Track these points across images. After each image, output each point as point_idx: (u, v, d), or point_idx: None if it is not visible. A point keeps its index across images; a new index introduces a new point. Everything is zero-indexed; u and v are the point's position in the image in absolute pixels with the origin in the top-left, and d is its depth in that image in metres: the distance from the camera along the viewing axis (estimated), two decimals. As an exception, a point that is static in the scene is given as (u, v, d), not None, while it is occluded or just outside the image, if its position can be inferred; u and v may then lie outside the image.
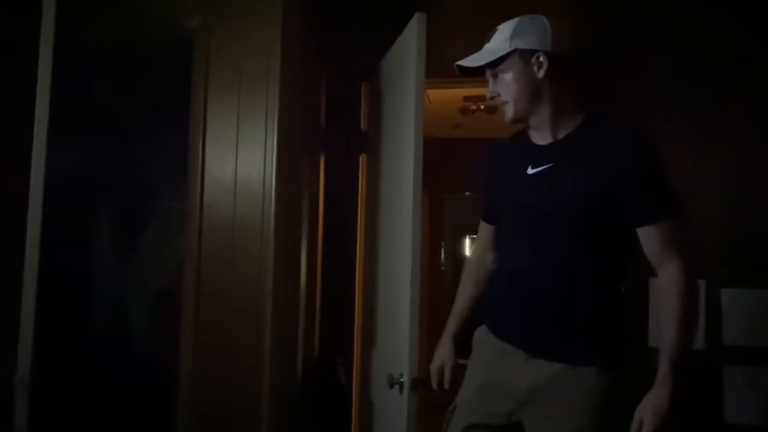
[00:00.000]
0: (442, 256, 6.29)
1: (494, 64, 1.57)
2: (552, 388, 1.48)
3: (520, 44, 1.54)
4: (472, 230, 8.07)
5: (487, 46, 1.61)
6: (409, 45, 2.16)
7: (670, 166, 1.55)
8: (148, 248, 2.81)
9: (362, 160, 2.88)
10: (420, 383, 1.98)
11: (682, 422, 2.57)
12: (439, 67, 2.23)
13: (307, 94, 2.57)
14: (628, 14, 2.80)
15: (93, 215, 2.82)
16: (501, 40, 1.57)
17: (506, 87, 1.56)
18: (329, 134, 2.84)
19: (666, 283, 1.44)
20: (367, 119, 2.88)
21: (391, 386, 2.02)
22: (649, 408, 1.41)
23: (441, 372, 1.81)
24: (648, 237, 1.45)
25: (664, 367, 1.41)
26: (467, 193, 6.65)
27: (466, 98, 4.33)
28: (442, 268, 6.32)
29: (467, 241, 8.81)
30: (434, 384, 1.83)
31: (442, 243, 6.28)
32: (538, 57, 1.52)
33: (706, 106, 2.70)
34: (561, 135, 1.55)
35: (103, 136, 2.68)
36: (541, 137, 1.59)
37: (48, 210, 1.86)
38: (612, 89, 2.80)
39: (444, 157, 5.18)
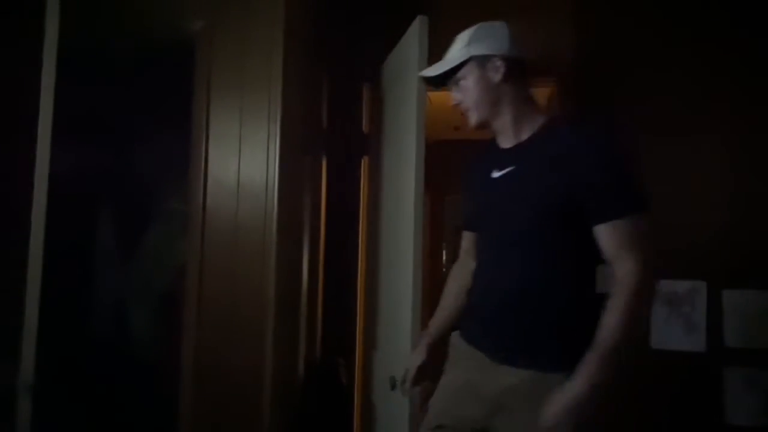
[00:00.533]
0: (444, 257, 6.30)
1: (454, 72, 1.60)
2: (522, 395, 1.44)
3: (477, 51, 1.57)
4: (473, 232, 7.85)
5: (447, 56, 1.63)
6: (411, 48, 2.17)
7: (672, 167, 1.55)
8: (150, 250, 2.82)
9: (364, 161, 2.89)
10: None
11: (683, 424, 2.59)
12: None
13: (310, 96, 2.58)
14: (627, 14, 2.82)
15: (95, 217, 2.83)
16: (458, 48, 1.61)
17: (467, 93, 1.59)
18: (331, 136, 2.84)
19: (617, 282, 1.39)
20: (368, 121, 2.89)
21: (393, 388, 2.03)
22: (561, 395, 1.34)
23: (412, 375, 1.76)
24: (601, 236, 1.42)
25: (589, 356, 1.35)
26: (468, 194, 6.65)
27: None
28: (444, 270, 6.32)
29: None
30: (400, 388, 1.80)
31: (443, 244, 6.28)
32: (494, 62, 1.55)
33: (704, 108, 2.71)
34: (524, 137, 1.57)
35: (106, 138, 2.69)
36: (506, 140, 1.61)
37: (50, 212, 1.87)
38: (611, 92, 2.82)
39: (445, 159, 5.18)
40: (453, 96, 1.63)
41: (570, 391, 1.33)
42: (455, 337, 1.69)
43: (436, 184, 5.17)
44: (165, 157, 2.57)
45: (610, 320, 1.36)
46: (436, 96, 3.72)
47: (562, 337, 1.46)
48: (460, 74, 1.59)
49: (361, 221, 2.87)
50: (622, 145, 1.46)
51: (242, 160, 2.19)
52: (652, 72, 2.78)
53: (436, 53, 2.12)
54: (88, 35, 2.32)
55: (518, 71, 1.56)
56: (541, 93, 3.56)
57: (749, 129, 2.67)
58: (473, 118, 1.60)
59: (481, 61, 1.56)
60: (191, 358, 2.18)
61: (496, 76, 1.55)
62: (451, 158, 5.26)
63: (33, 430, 1.82)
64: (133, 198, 2.81)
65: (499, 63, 1.55)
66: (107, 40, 2.37)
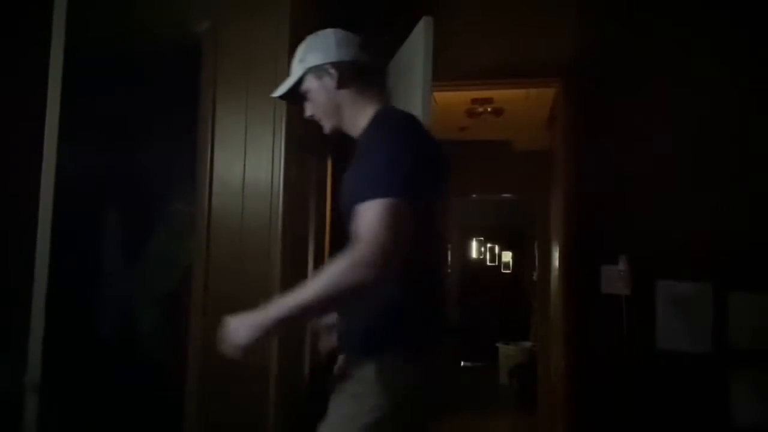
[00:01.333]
0: (449, 258, 6.30)
1: (298, 87, 1.63)
2: (338, 376, 1.49)
3: (310, 62, 1.59)
4: (479, 232, 8.06)
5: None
6: (417, 48, 2.17)
7: (678, 169, 1.54)
8: (156, 251, 2.83)
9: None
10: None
11: (688, 425, 2.59)
12: (446, 70, 2.25)
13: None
14: (630, 15, 2.81)
15: (102, 218, 2.84)
16: (296, 63, 1.64)
17: (313, 105, 1.62)
18: (336, 136, 2.84)
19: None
20: (373, 122, 2.89)
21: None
22: (245, 316, 1.40)
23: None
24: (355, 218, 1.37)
25: (279, 301, 1.36)
26: (473, 195, 6.65)
27: (474, 100, 4.33)
28: (449, 270, 6.33)
29: (474, 243, 8.83)
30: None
31: (449, 245, 6.28)
32: (327, 70, 1.57)
33: (710, 111, 2.70)
34: (360, 134, 1.58)
35: (112, 139, 2.71)
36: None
37: (57, 213, 1.88)
38: (615, 92, 2.82)
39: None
40: (306, 109, 1.65)
41: (245, 318, 1.39)
42: None
43: (441, 184, 5.20)
44: (171, 157, 2.58)
45: (311, 281, 1.34)
46: (441, 96, 3.74)
47: (371, 322, 1.44)
48: (303, 89, 1.62)
49: (366, 222, 2.87)
50: (408, 133, 1.42)
51: (248, 160, 2.20)
52: (656, 73, 2.78)
53: (441, 53, 2.14)
54: (94, 37, 2.34)
55: (353, 73, 1.57)
56: (546, 93, 3.57)
57: (755, 128, 2.67)
58: (325, 127, 1.64)
59: (316, 71, 1.58)
60: (197, 359, 2.19)
61: (332, 84, 1.57)
62: (457, 159, 5.30)
63: (40, 429, 1.84)
64: (139, 199, 2.82)
65: (332, 70, 1.56)
66: (113, 42, 2.38)
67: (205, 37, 2.27)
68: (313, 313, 1.45)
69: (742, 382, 2.55)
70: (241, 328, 1.39)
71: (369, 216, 1.30)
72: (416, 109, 2.14)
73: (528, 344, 6.93)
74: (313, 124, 1.67)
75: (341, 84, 1.56)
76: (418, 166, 1.37)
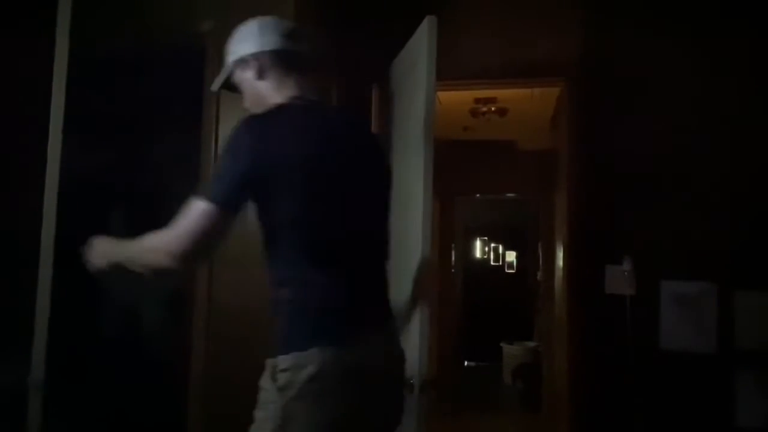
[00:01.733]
0: (453, 257, 6.29)
1: (230, 81, 1.65)
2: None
3: (235, 56, 1.60)
4: (483, 232, 8.06)
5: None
6: (420, 48, 2.17)
7: (683, 168, 1.54)
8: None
9: (373, 162, 2.89)
10: (430, 385, 1.98)
11: (693, 426, 2.58)
12: (449, 70, 2.25)
13: (318, 97, 2.58)
14: (636, 14, 2.81)
15: (106, 218, 2.85)
16: (227, 57, 1.65)
17: (245, 97, 1.63)
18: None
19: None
20: (377, 121, 2.89)
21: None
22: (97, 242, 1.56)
23: None
24: None
25: (114, 244, 1.55)
26: (477, 195, 6.65)
27: (477, 100, 4.33)
28: (453, 270, 6.33)
29: (478, 243, 8.82)
30: None
31: (453, 245, 6.28)
32: (248, 62, 1.57)
33: (714, 110, 2.69)
34: None
35: (116, 138, 2.71)
36: None
37: (62, 212, 1.88)
38: (621, 92, 2.81)
39: (454, 160, 5.19)
40: (244, 101, 1.66)
41: (101, 247, 1.56)
42: None
43: (445, 184, 5.20)
44: (175, 157, 2.58)
45: (138, 241, 1.47)
46: (445, 96, 3.74)
47: (279, 325, 1.47)
48: (234, 81, 1.63)
49: (369, 221, 2.87)
50: (241, 136, 1.41)
51: (251, 160, 2.19)
52: (661, 73, 2.77)
53: (444, 53, 2.13)
54: (98, 36, 2.34)
55: (273, 62, 1.56)
56: (550, 93, 3.56)
57: (760, 128, 2.66)
58: None
59: (241, 63, 1.59)
60: (201, 357, 2.20)
61: (253, 75, 1.57)
62: (460, 158, 5.30)
63: (44, 428, 1.84)
64: (143, 199, 2.82)
65: (252, 62, 1.57)
66: (117, 41, 2.39)
67: (208, 36, 2.27)
68: (132, 268, 1.50)
69: (747, 383, 2.54)
70: (94, 253, 1.55)
71: (187, 211, 1.40)
72: (420, 109, 2.14)
73: (532, 344, 6.93)
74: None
75: (260, 74, 1.56)
76: (251, 175, 1.39)
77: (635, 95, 2.80)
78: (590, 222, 2.84)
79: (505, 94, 4.07)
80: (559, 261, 3.56)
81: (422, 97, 2.13)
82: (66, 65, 1.88)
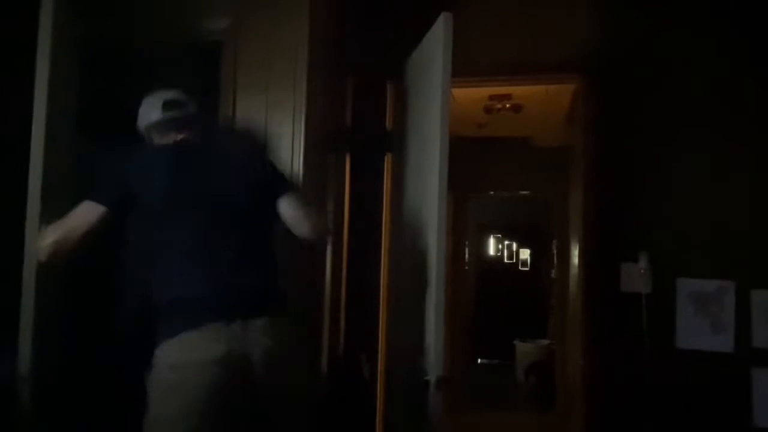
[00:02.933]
0: (466, 255, 6.28)
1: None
2: None
3: (140, 126, 2.00)
4: (496, 229, 8.01)
5: None
6: (436, 44, 2.16)
7: (699, 166, 1.52)
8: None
9: (387, 158, 2.89)
10: (445, 381, 1.99)
11: (709, 425, 2.56)
12: (465, 66, 2.24)
13: (334, 94, 2.59)
14: (650, 10, 2.79)
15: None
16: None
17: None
18: (354, 133, 2.86)
19: None
20: (392, 118, 2.89)
21: (417, 384, 2.03)
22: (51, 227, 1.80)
23: None
24: None
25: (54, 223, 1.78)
26: (491, 192, 6.63)
27: (491, 97, 4.31)
28: (466, 267, 6.32)
29: (491, 241, 8.79)
30: None
31: (466, 242, 6.27)
32: (142, 133, 1.97)
33: (732, 106, 2.67)
34: None
35: (131, 136, 2.72)
36: None
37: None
38: (635, 90, 2.79)
39: (468, 157, 5.17)
40: None
41: (52, 230, 1.75)
42: None
43: (459, 181, 5.18)
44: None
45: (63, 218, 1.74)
46: (460, 93, 3.73)
47: None
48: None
49: (384, 218, 2.88)
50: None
51: (267, 157, 2.20)
52: (677, 68, 2.75)
53: (460, 49, 2.13)
54: (113, 35, 2.36)
55: (157, 131, 1.94)
56: (565, 89, 3.54)
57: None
58: None
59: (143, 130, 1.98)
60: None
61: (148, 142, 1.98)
62: (475, 155, 5.28)
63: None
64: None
65: (144, 133, 1.96)
66: (132, 40, 2.40)
67: (225, 34, 2.29)
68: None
69: (765, 383, 2.52)
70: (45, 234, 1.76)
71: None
72: (435, 105, 2.14)
73: (546, 342, 6.90)
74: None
75: (149, 142, 1.93)
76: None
77: (650, 91, 2.78)
78: (605, 219, 2.82)
79: (520, 90, 4.05)
80: (574, 258, 3.55)
81: (438, 94, 2.12)
82: (48, 61, 1.95)
